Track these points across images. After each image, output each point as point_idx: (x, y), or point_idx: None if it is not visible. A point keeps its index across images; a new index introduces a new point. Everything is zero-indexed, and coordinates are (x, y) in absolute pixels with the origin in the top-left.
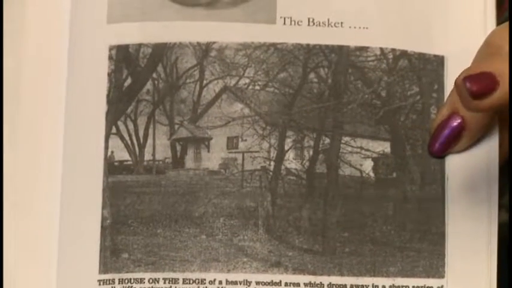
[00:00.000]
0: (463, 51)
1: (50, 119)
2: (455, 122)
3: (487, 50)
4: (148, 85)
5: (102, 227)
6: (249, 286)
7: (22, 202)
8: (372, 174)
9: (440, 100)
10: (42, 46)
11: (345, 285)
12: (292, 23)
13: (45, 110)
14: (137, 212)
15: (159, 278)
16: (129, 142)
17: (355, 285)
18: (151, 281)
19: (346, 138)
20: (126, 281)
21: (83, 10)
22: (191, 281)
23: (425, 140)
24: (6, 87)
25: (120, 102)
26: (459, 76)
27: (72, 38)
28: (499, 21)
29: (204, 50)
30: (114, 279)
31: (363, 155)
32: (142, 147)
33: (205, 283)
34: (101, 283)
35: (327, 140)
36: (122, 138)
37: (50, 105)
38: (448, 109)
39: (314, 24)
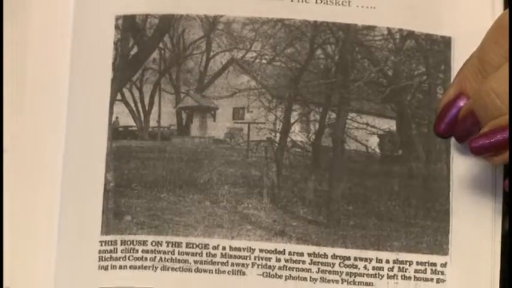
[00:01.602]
0: (470, 33)
1: (54, 83)
2: (462, 102)
3: (496, 33)
4: (155, 54)
5: (105, 189)
6: (252, 253)
7: (25, 164)
8: (377, 150)
9: (447, 81)
10: (47, 13)
11: (349, 257)
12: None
13: (50, 76)
14: (141, 176)
15: (162, 241)
16: (134, 108)
17: (358, 258)
18: (154, 243)
19: (352, 114)
20: (129, 242)
21: None
22: (194, 246)
23: (431, 120)
24: (11, 52)
25: (125, 70)
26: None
27: (78, 7)
28: (508, 4)
29: (211, 23)
30: (116, 240)
31: (368, 131)
32: (147, 114)
33: (208, 248)
34: (103, 244)
35: (333, 115)
36: (127, 104)
37: (54, 70)
38: (454, 89)
39: (322, 1)
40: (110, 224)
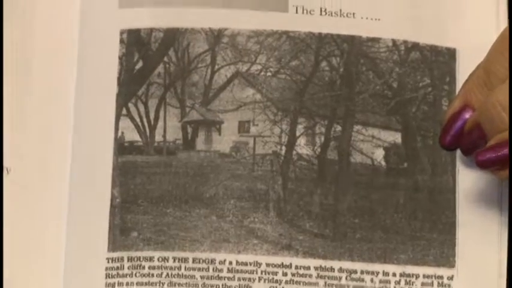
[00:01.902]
0: (475, 45)
1: (60, 99)
2: (467, 115)
3: (502, 44)
4: (160, 68)
5: (111, 205)
6: (259, 268)
7: (32, 180)
8: (383, 163)
9: (452, 92)
10: (52, 29)
11: (355, 270)
12: (305, 11)
13: (55, 91)
14: (147, 191)
15: (168, 257)
16: (139, 123)
17: (365, 271)
18: (160, 259)
19: (357, 127)
20: (135, 259)
21: None
22: (201, 261)
23: (436, 132)
24: (16, 69)
25: (131, 85)
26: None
27: (83, 21)
28: None
29: (216, 36)
30: (123, 257)
31: (374, 144)
32: (152, 128)
33: (215, 263)
34: (110, 261)
35: (339, 128)
36: (133, 119)
37: (60, 86)
38: (460, 101)
39: (326, 13)
40: (116, 241)
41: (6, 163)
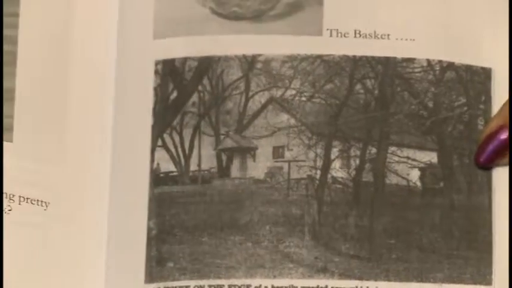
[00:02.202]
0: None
1: (97, 132)
2: (504, 135)
3: None
4: (194, 97)
5: (148, 237)
6: None
7: (70, 213)
8: (418, 183)
9: (488, 111)
10: (89, 61)
11: None
12: (339, 35)
13: (93, 123)
14: (183, 221)
15: (204, 285)
16: (174, 154)
17: None
18: None
19: (392, 148)
20: None
21: (130, 26)
22: (237, 287)
23: (472, 151)
24: (54, 98)
25: (166, 115)
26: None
27: (119, 53)
28: None
29: (249, 63)
30: None
31: (409, 165)
32: (188, 158)
33: None
34: None
35: (374, 150)
36: (168, 150)
37: (97, 118)
38: (497, 121)
39: (360, 36)
40: (153, 272)
41: (44, 197)
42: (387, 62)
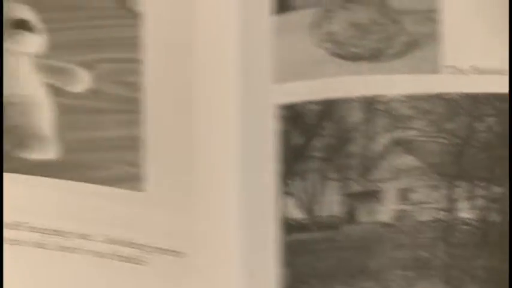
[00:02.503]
0: None
1: (223, 182)
2: None
3: None
4: (317, 142)
5: (282, 286)
6: None
7: (205, 263)
8: None
9: None
10: (213, 110)
11: None
12: (457, 71)
13: (218, 175)
14: (313, 269)
15: None
16: (300, 200)
17: None
18: None
19: None
20: None
21: (250, 72)
22: None
23: None
24: (181, 145)
25: (289, 161)
26: None
27: (243, 101)
28: None
29: (370, 104)
30: None
31: None
32: (314, 204)
33: None
34: None
35: (498, 189)
36: (293, 196)
37: (223, 166)
38: None
39: (480, 72)
40: None
41: (179, 248)
42: (507, 98)
